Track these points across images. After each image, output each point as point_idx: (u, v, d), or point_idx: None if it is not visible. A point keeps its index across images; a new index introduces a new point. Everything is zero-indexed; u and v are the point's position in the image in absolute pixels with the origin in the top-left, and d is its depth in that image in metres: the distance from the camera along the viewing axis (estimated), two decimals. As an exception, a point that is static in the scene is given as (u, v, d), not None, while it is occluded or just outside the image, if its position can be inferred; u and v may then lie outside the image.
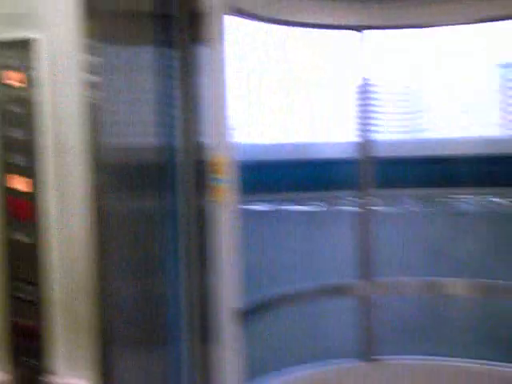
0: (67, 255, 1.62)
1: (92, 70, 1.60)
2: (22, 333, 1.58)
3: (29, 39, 1.55)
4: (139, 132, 1.86)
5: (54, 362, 1.59)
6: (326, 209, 4.15)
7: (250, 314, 3.34)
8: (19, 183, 1.57)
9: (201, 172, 2.20)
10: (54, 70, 1.60)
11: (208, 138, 2.61)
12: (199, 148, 2.17)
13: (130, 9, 1.90)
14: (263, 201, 3.88)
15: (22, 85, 1.55)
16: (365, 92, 3.95)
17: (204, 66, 2.47)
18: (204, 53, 2.50)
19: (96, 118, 1.60)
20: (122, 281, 1.70)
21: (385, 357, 3.91)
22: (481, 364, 3.76)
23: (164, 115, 2.01)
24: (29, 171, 1.57)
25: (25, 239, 1.57)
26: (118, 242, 1.67)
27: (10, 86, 1.55)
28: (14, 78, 1.55)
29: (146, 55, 1.96)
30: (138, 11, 1.95)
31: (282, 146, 3.96)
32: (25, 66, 1.55)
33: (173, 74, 2.13)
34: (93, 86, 1.60)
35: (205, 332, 2.29)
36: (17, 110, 1.56)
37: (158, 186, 1.89)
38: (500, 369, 3.72)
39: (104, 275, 1.56)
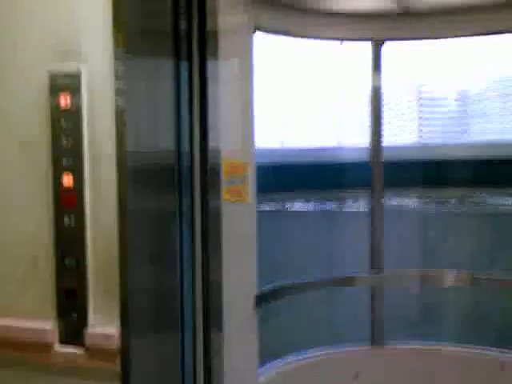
0: (99, 235, 2.08)
1: (119, 78, 2.05)
2: (66, 293, 2.08)
3: (74, 72, 2.06)
4: (158, 136, 2.31)
5: (90, 315, 2.08)
6: (340, 207, 4.51)
7: (265, 299, 3.72)
8: (67, 181, 2.07)
9: (214, 173, 2.62)
10: (92, 92, 2.06)
11: (228, 142, 3.03)
12: (212, 151, 2.58)
13: (153, 25, 2.35)
14: (279, 200, 4.25)
15: (69, 105, 2.06)
16: (377, 99, 4.26)
17: (224, 77, 2.88)
18: (225, 64, 2.91)
19: (122, 125, 2.05)
20: (140, 261, 2.15)
21: (396, 341, 4.24)
22: (477, 349, 4.08)
23: (180, 119, 2.43)
24: (73, 171, 2.07)
25: (69, 222, 2.07)
26: (136, 229, 2.11)
27: (61, 106, 2.06)
28: (63, 100, 2.06)
29: (166, 67, 2.39)
30: (160, 28, 2.39)
31: (299, 150, 4.35)
32: (71, 91, 2.05)
33: (191, 84, 2.56)
34: (120, 93, 2.05)
35: (215, 318, 2.66)
36: (65, 125, 2.06)
37: (174, 186, 2.34)
38: (493, 353, 4.03)
39: (125, 252, 2.03)
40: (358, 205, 4.41)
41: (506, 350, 4.02)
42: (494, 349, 4.04)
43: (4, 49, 2.17)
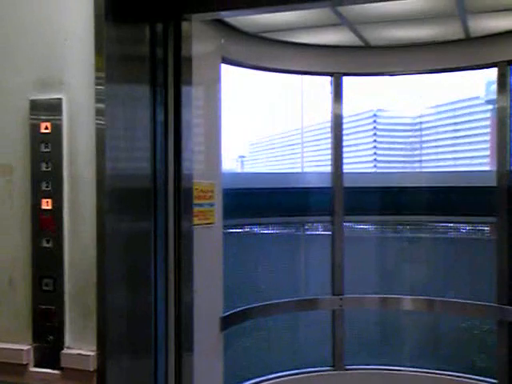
0: (77, 257, 2.10)
1: (99, 101, 2.10)
2: (43, 315, 2.08)
3: (55, 98, 2.10)
4: (135, 160, 2.37)
5: (66, 337, 2.09)
6: (300, 232, 4.60)
7: (230, 322, 3.76)
8: (45, 203, 2.10)
9: (187, 196, 2.68)
10: (71, 118, 2.11)
11: (196, 166, 3.10)
12: (185, 175, 2.65)
13: (131, 53, 2.42)
14: (245, 224, 4.32)
15: (49, 131, 2.10)
16: (337, 128, 4.41)
17: (194, 103, 2.96)
18: (195, 91, 2.99)
19: (101, 147, 2.10)
20: (118, 284, 2.18)
21: (356, 366, 4.34)
22: (430, 372, 4.22)
23: (156, 144, 2.49)
24: (52, 194, 2.09)
25: (47, 245, 2.09)
26: (114, 253, 2.15)
27: (41, 133, 2.11)
28: (44, 127, 2.10)
29: (143, 92, 2.46)
30: (138, 55, 2.47)
31: (262, 175, 4.44)
32: (52, 118, 2.10)
33: (165, 108, 2.63)
34: (99, 114, 2.10)
35: (187, 340, 2.69)
36: (45, 149, 2.10)
37: (149, 209, 2.39)
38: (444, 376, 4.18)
39: (103, 275, 2.06)
40: (320, 229, 4.52)
41: (460, 374, 4.17)
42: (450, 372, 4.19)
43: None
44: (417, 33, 3.94)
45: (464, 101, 5.30)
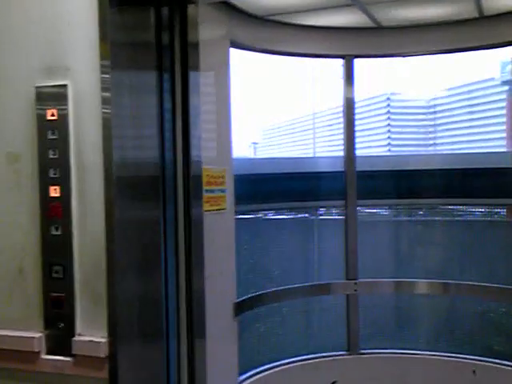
0: (86, 244, 2.11)
1: (105, 89, 2.09)
2: (53, 303, 2.10)
3: (60, 85, 2.10)
4: (143, 147, 2.36)
5: (77, 324, 2.11)
6: (314, 217, 4.57)
7: (244, 308, 3.76)
8: (54, 191, 2.10)
9: (196, 183, 2.67)
10: (77, 105, 2.10)
11: (206, 152, 3.08)
12: (194, 161, 2.63)
13: (137, 38, 2.41)
14: (257, 210, 4.30)
15: (55, 118, 2.10)
16: (349, 112, 4.36)
17: (202, 89, 2.94)
18: (203, 76, 2.96)
19: (108, 135, 2.09)
20: (127, 270, 2.18)
21: (371, 350, 4.32)
22: (447, 355, 4.19)
23: (163, 131, 2.48)
24: (60, 182, 2.10)
25: (56, 232, 2.10)
26: (123, 239, 2.15)
27: (48, 120, 2.10)
28: (50, 114, 2.10)
29: (149, 78, 2.45)
30: (143, 41, 2.45)
31: (274, 160, 4.40)
32: (58, 104, 2.10)
33: (173, 95, 2.61)
34: (106, 103, 2.09)
35: (198, 326, 2.66)
36: (52, 136, 2.10)
37: (158, 196, 2.39)
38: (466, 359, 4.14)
39: (112, 262, 2.07)
40: (334, 213, 4.50)
41: (476, 357, 4.13)
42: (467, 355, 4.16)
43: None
44: (429, 12, 3.86)
45: (479, 82, 5.22)
